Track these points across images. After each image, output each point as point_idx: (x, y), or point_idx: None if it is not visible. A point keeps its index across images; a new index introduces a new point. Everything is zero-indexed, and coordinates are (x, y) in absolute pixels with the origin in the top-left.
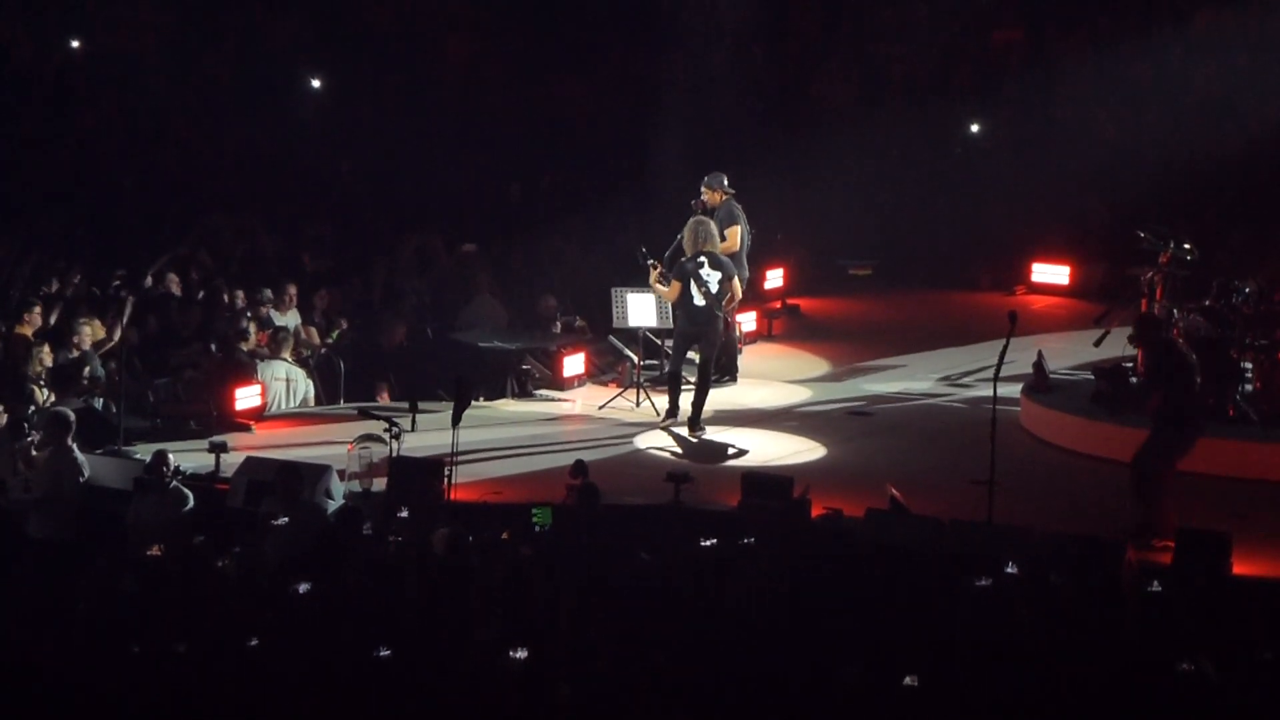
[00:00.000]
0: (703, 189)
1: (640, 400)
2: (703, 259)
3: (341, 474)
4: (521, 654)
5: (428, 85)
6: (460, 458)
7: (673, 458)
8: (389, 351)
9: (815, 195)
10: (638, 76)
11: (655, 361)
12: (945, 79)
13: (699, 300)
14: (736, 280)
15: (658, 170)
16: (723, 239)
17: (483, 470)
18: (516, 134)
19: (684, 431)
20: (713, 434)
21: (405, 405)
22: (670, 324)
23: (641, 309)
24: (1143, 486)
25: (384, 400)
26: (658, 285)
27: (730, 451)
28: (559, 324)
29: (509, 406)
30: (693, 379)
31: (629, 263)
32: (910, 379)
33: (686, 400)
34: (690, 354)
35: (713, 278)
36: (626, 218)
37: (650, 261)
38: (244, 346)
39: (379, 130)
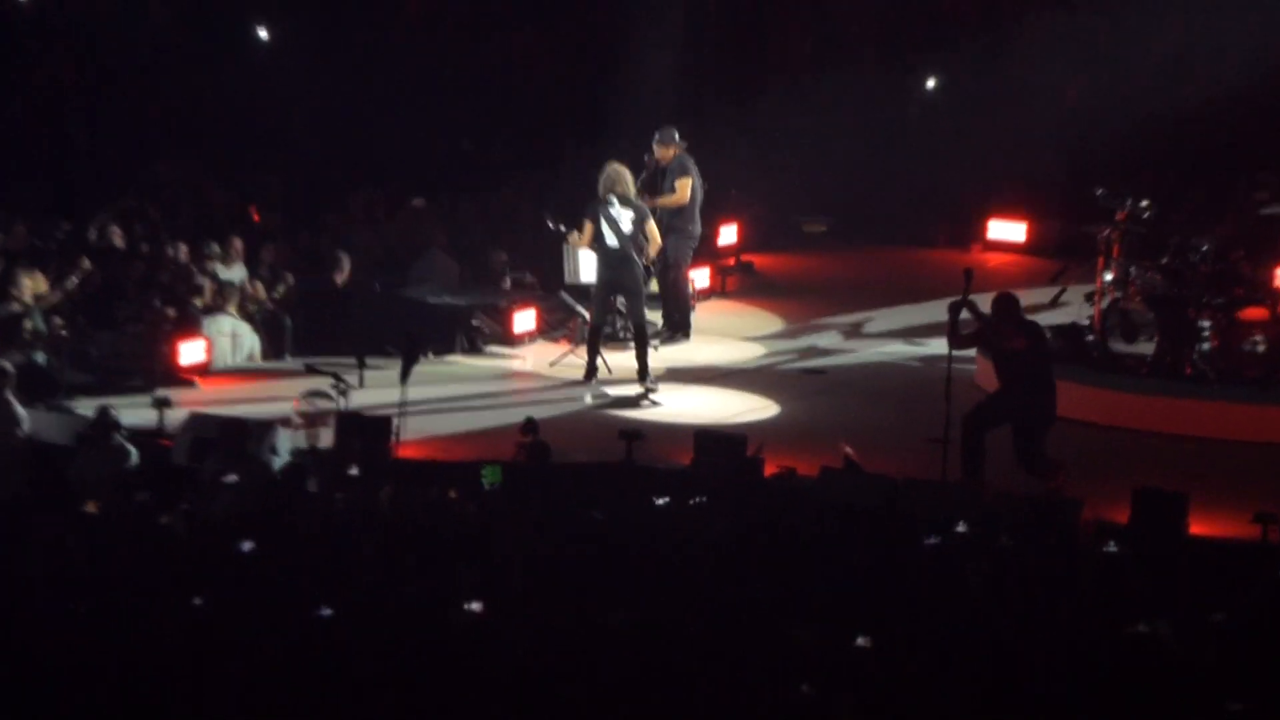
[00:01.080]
0: (655, 145)
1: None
2: (613, 198)
3: (288, 426)
4: (475, 606)
5: (381, 36)
6: (409, 414)
7: (624, 415)
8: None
9: (771, 151)
10: (594, 31)
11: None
12: (902, 36)
13: (611, 240)
14: (652, 222)
15: (612, 125)
16: (673, 190)
17: (431, 427)
18: (470, 87)
19: (636, 388)
20: (665, 391)
21: (353, 361)
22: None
23: (593, 264)
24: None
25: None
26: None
27: (683, 409)
28: (508, 279)
29: (458, 363)
30: (628, 338)
31: (579, 219)
32: (865, 336)
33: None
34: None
35: (624, 217)
36: (580, 174)
37: (562, 229)
38: (199, 302)
39: (330, 82)
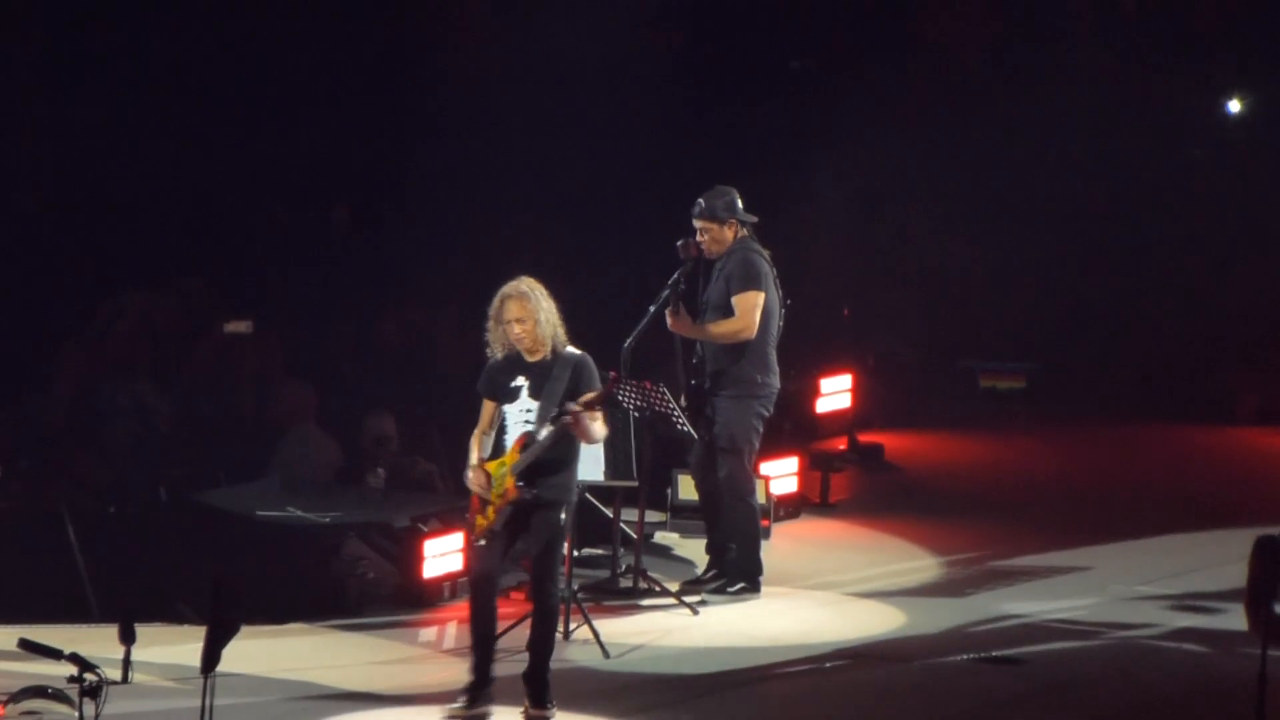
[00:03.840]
0: (698, 222)
1: (573, 626)
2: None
3: None
4: None
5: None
6: None
7: None
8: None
9: (916, 225)
10: None
11: (601, 551)
12: (1190, 13)
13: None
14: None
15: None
16: (724, 311)
17: None
18: (349, 101)
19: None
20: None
21: (111, 631)
22: (632, 474)
23: (578, 448)
24: None
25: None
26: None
27: None
28: (380, 471)
29: (314, 636)
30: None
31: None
32: (1096, 594)
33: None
34: None
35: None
36: (560, 255)
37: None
38: None
39: (60, 96)
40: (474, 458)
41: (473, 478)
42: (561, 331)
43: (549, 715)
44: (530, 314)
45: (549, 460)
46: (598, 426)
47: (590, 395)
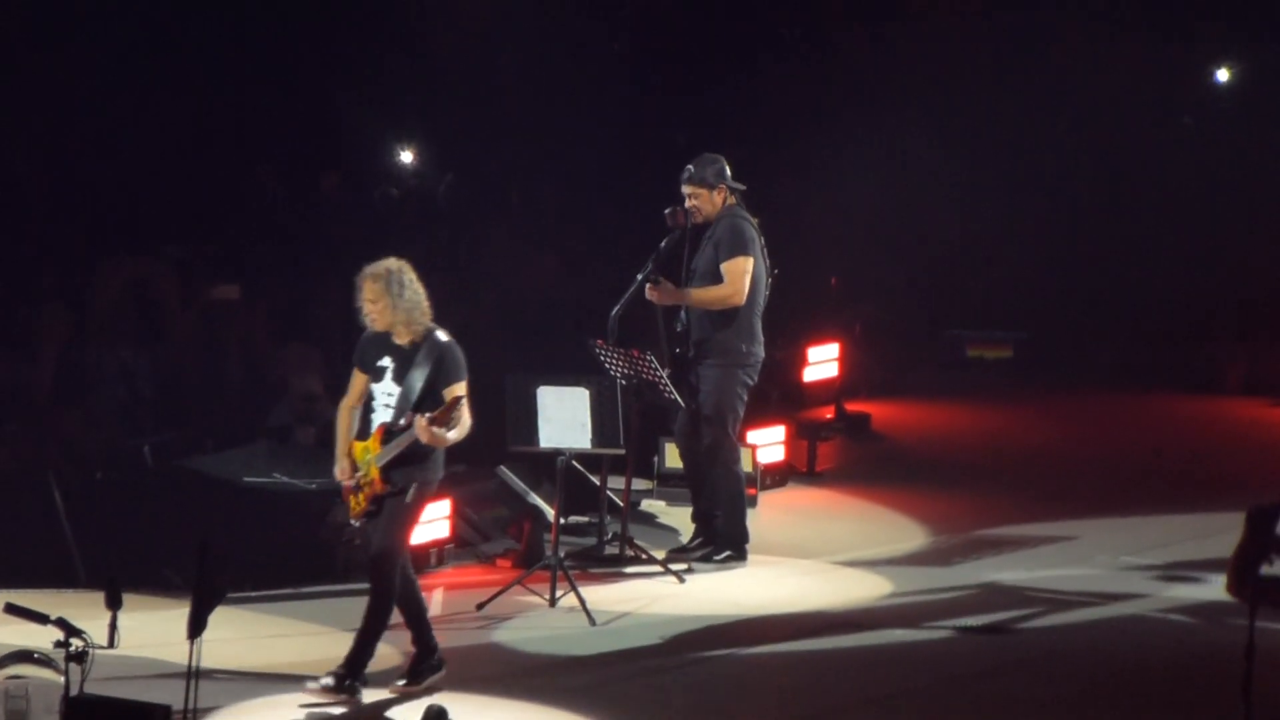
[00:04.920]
0: (687, 188)
1: (559, 594)
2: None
3: None
4: None
5: None
6: (204, 704)
7: None
8: None
9: (905, 193)
10: None
11: (587, 518)
12: None
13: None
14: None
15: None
16: (714, 277)
17: None
18: (335, 66)
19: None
20: (689, 668)
21: (96, 595)
22: (619, 442)
23: (566, 416)
24: None
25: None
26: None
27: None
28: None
29: (299, 603)
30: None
31: (531, 318)
32: (1082, 564)
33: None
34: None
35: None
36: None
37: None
38: None
39: (47, 76)
40: (342, 444)
41: (341, 474)
42: (421, 317)
43: (348, 697)
44: (379, 295)
45: (411, 452)
46: (452, 434)
47: (437, 412)
